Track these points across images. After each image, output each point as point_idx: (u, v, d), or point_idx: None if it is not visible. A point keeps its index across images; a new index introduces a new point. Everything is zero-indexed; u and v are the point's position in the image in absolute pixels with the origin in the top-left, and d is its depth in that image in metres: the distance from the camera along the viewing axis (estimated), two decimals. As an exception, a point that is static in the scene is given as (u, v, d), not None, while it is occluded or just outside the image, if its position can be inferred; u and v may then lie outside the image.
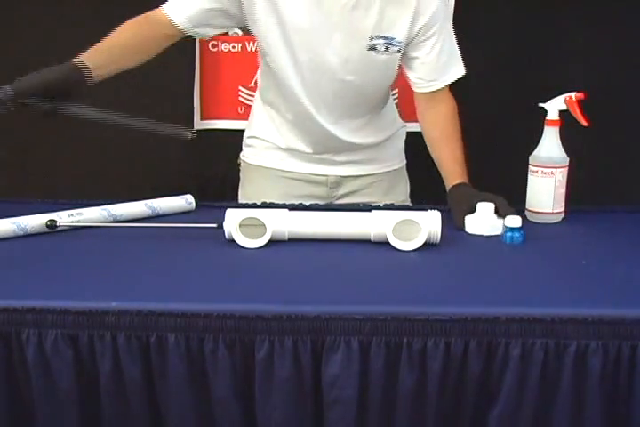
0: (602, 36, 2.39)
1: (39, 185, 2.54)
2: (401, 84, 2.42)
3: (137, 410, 1.22)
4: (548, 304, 1.20)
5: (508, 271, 1.36)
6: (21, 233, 1.49)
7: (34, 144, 2.54)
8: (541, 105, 1.62)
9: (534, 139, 1.62)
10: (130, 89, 2.42)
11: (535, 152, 1.62)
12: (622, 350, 1.16)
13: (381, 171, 1.92)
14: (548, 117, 1.61)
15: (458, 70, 1.77)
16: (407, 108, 2.12)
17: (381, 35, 1.66)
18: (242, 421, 1.22)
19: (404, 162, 2.00)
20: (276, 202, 1.70)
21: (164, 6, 1.70)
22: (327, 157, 1.85)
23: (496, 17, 2.39)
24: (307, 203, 1.74)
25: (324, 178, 1.89)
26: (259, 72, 1.87)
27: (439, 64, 1.73)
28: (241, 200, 1.95)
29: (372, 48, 1.68)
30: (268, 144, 1.89)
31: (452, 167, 1.72)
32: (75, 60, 1.58)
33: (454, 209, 1.60)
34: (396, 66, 1.74)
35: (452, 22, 1.77)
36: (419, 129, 2.48)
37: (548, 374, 1.17)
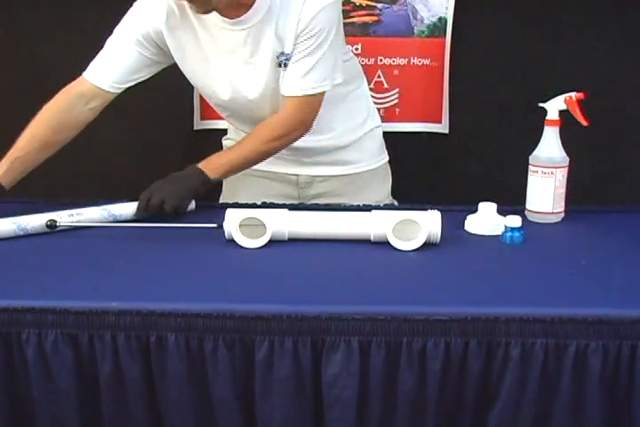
0: (602, 37, 2.38)
1: (39, 185, 2.53)
2: (401, 84, 2.43)
3: (137, 410, 1.22)
4: (548, 304, 1.20)
5: (508, 271, 1.36)
6: (21, 233, 1.49)
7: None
8: (541, 105, 1.62)
9: (534, 139, 1.62)
10: (130, 89, 2.42)
11: (535, 152, 1.62)
12: (622, 350, 1.16)
13: (353, 172, 1.90)
14: (547, 117, 1.61)
15: (303, 87, 1.68)
16: (407, 108, 2.13)
17: (281, 51, 1.66)
18: (242, 421, 1.22)
19: (384, 160, 1.96)
20: (249, 202, 1.69)
21: (88, 77, 1.74)
22: (296, 157, 1.85)
23: (496, 17, 2.39)
24: (279, 202, 1.72)
25: (295, 177, 1.89)
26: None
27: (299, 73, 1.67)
28: (221, 201, 1.93)
29: (280, 64, 1.67)
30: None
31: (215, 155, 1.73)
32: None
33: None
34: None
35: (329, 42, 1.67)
36: (415, 129, 2.49)
37: (548, 374, 1.17)
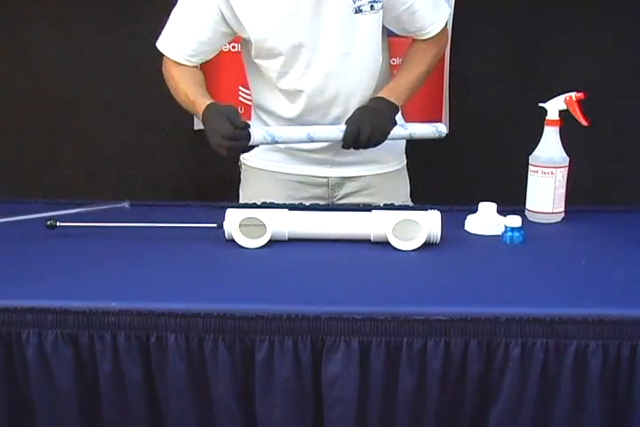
0: (602, 36, 2.39)
1: (39, 185, 2.54)
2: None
3: (137, 410, 1.22)
4: (548, 304, 1.20)
5: (508, 271, 1.36)
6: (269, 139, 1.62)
7: (34, 144, 2.54)
8: (541, 105, 1.62)
9: (534, 139, 1.62)
10: (130, 89, 2.43)
11: (535, 152, 1.62)
12: (622, 350, 1.16)
13: (382, 171, 1.91)
14: (547, 117, 1.61)
15: (445, 10, 1.79)
16: (407, 108, 2.12)
17: None
18: (242, 421, 1.22)
19: (404, 162, 1.99)
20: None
21: (164, 51, 1.75)
22: (327, 157, 1.85)
23: (496, 17, 2.39)
24: (307, 203, 1.73)
25: (325, 180, 1.89)
26: (248, 77, 1.87)
27: (430, 7, 1.73)
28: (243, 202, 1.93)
29: (358, 10, 1.67)
30: (266, 145, 1.88)
31: (392, 83, 1.78)
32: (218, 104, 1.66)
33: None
34: (381, 26, 1.72)
35: None
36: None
37: (548, 374, 1.17)
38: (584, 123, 1.61)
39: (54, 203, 1.64)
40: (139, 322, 1.18)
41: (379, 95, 1.73)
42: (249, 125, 1.60)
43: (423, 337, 1.16)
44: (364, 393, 1.19)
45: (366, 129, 1.65)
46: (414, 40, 1.80)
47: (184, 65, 1.75)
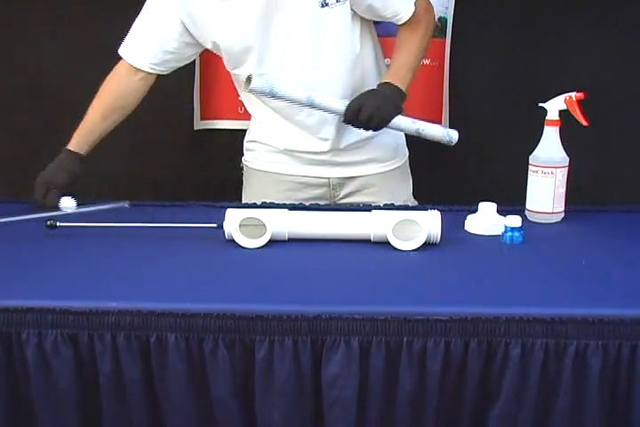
0: (602, 36, 2.39)
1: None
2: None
3: (137, 410, 1.22)
4: (548, 304, 1.20)
5: (508, 271, 1.36)
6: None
7: (34, 144, 2.54)
8: (541, 105, 1.62)
9: (534, 139, 1.62)
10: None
11: (535, 152, 1.62)
12: (622, 350, 1.16)
13: (382, 170, 1.91)
14: (547, 117, 1.61)
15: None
16: (407, 108, 2.12)
17: None
18: (242, 421, 1.22)
19: (406, 159, 1.97)
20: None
21: (126, 58, 1.79)
22: (327, 158, 1.85)
23: (496, 17, 2.39)
24: (307, 203, 1.73)
25: (326, 180, 1.89)
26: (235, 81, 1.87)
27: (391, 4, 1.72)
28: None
29: (325, 4, 1.67)
30: (266, 147, 1.89)
31: (391, 68, 1.78)
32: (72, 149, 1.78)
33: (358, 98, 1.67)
34: (350, 17, 1.71)
35: None
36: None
37: (548, 374, 1.17)
38: (584, 123, 1.61)
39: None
40: (139, 322, 1.18)
41: (385, 80, 1.72)
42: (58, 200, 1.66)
43: (423, 337, 1.16)
44: (364, 393, 1.19)
45: (368, 109, 1.64)
46: (399, 26, 1.79)
47: (144, 72, 1.78)
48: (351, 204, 1.86)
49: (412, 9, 1.74)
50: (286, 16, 1.67)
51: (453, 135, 1.76)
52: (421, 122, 1.75)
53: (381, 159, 1.90)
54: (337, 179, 1.88)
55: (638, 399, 1.17)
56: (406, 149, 1.98)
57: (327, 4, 1.66)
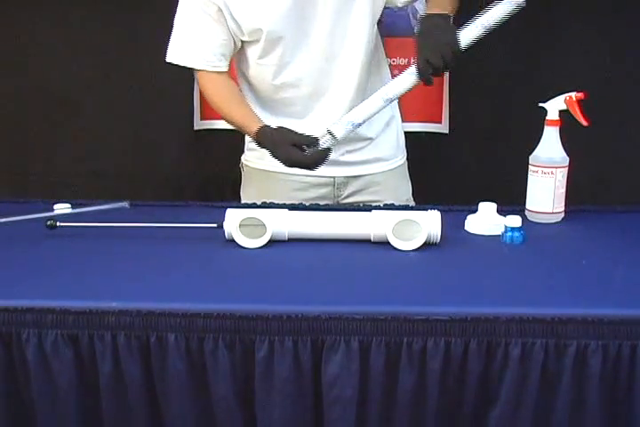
0: (602, 36, 2.39)
1: (39, 185, 2.54)
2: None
3: (137, 410, 1.22)
4: (548, 304, 1.20)
5: (508, 271, 1.36)
6: None
7: (34, 144, 2.54)
8: (541, 105, 1.62)
9: (534, 139, 1.62)
10: (131, 89, 2.43)
11: (535, 152, 1.62)
12: (622, 350, 1.16)
13: (386, 169, 1.91)
14: (547, 117, 1.61)
15: None
16: (407, 108, 2.12)
17: None
18: (242, 421, 1.22)
19: (405, 158, 1.98)
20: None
21: (197, 67, 1.75)
22: (333, 157, 1.84)
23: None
24: (307, 203, 1.73)
25: (331, 179, 1.88)
26: (241, 79, 1.86)
27: None
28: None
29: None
30: None
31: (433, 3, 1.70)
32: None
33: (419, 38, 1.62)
34: (370, 7, 1.71)
35: None
36: (415, 129, 2.49)
37: (548, 374, 1.17)
38: (584, 123, 1.61)
39: (54, 203, 1.64)
40: (139, 322, 1.18)
41: (426, 14, 1.66)
42: (315, 139, 1.60)
43: (423, 337, 1.16)
44: (364, 393, 1.19)
45: (436, 58, 1.56)
46: None
47: (213, 73, 1.75)
48: (355, 203, 1.86)
49: None
50: (317, 5, 1.67)
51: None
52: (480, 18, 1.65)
53: (386, 157, 1.90)
54: (342, 178, 1.88)
55: (638, 399, 1.17)
56: (405, 151, 1.98)
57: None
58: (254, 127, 1.67)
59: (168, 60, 1.75)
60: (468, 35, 1.63)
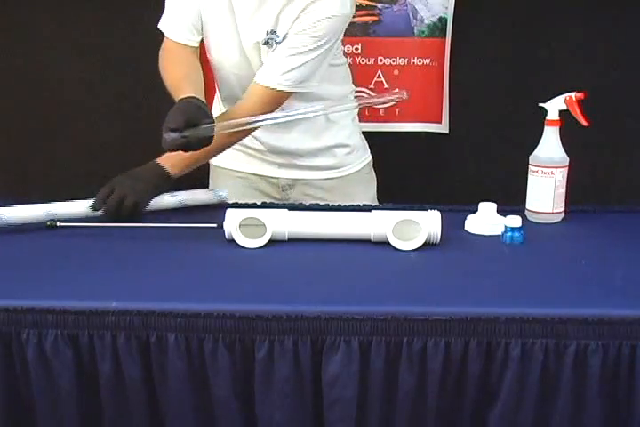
0: (602, 36, 2.39)
1: (39, 185, 2.54)
2: (401, 84, 2.43)
3: (137, 410, 1.22)
4: (548, 304, 1.20)
5: (508, 271, 1.36)
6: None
7: (34, 144, 2.54)
8: (541, 105, 1.62)
9: (534, 139, 1.62)
10: (130, 89, 2.43)
11: (535, 152, 1.62)
12: (622, 350, 1.16)
13: (336, 175, 1.89)
14: (547, 117, 1.61)
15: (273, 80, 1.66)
16: (407, 108, 2.13)
17: (274, 30, 1.67)
18: (242, 421, 1.22)
19: (367, 161, 1.95)
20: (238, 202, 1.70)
21: (168, 34, 1.74)
22: (273, 159, 1.86)
23: (496, 17, 2.39)
24: (259, 202, 1.72)
25: (276, 180, 1.90)
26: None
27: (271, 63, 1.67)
28: None
29: (266, 43, 1.68)
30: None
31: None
32: (190, 97, 1.59)
33: None
34: None
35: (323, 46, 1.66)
36: (415, 129, 2.49)
37: (548, 374, 1.17)
38: (584, 123, 1.61)
39: (54, 203, 1.64)
40: (139, 322, 1.18)
41: (156, 160, 1.67)
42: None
43: (423, 337, 1.16)
44: (364, 393, 1.19)
45: (119, 191, 1.57)
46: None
47: (180, 44, 1.73)
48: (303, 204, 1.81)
49: (266, 83, 1.65)
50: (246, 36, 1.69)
51: (222, 193, 1.70)
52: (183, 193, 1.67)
53: (332, 166, 1.89)
54: (286, 179, 1.89)
55: (638, 399, 1.17)
56: (368, 153, 1.95)
57: (268, 44, 1.68)
58: (181, 95, 1.60)
59: (159, 26, 1.76)
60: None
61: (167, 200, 1.64)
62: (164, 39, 1.77)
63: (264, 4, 1.65)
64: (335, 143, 1.87)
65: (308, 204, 1.79)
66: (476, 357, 1.17)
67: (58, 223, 1.51)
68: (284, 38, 1.66)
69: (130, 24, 2.34)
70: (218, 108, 1.91)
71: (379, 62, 2.42)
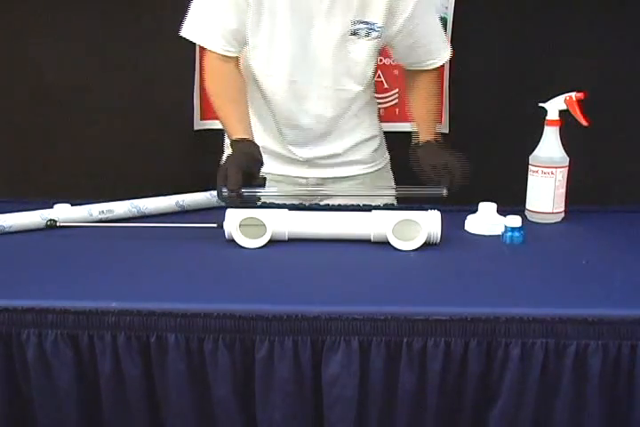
0: (602, 37, 2.38)
1: (39, 185, 2.54)
2: (401, 84, 2.43)
3: (137, 410, 1.22)
4: (548, 304, 1.20)
5: (508, 271, 1.36)
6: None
7: (34, 144, 2.54)
8: (541, 105, 1.62)
9: (534, 139, 1.62)
10: (131, 89, 2.42)
11: (535, 152, 1.62)
12: (622, 350, 1.16)
13: (363, 172, 1.91)
14: (548, 117, 1.61)
15: (445, 49, 1.82)
16: (407, 107, 2.12)
17: (363, 20, 1.68)
18: (242, 421, 1.22)
19: (387, 161, 1.98)
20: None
21: (209, 51, 1.71)
22: (305, 159, 1.85)
23: (496, 17, 2.39)
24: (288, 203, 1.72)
25: (304, 180, 1.89)
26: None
27: (429, 47, 1.78)
28: None
29: (354, 33, 1.69)
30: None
31: (423, 125, 1.83)
32: (243, 136, 1.63)
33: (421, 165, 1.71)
34: (374, 52, 1.75)
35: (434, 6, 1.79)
36: (413, 129, 2.48)
37: (548, 374, 1.17)
38: (584, 123, 1.61)
39: (54, 203, 1.64)
40: (139, 322, 1.18)
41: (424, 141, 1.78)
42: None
43: (423, 337, 1.16)
44: (364, 393, 1.19)
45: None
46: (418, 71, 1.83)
47: (221, 56, 1.70)
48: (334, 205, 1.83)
49: (448, 55, 1.81)
50: (320, 35, 1.69)
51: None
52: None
53: (361, 162, 1.91)
54: (315, 179, 1.89)
55: (638, 399, 1.17)
56: (386, 152, 1.99)
57: (356, 34, 1.70)
58: (233, 136, 1.64)
59: (182, 34, 1.70)
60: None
61: (167, 204, 1.64)
62: (206, 55, 1.72)
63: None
64: (370, 135, 1.91)
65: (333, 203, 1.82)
66: (476, 357, 1.17)
67: (58, 223, 1.51)
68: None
69: (130, 24, 2.34)
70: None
71: (378, 62, 2.41)
